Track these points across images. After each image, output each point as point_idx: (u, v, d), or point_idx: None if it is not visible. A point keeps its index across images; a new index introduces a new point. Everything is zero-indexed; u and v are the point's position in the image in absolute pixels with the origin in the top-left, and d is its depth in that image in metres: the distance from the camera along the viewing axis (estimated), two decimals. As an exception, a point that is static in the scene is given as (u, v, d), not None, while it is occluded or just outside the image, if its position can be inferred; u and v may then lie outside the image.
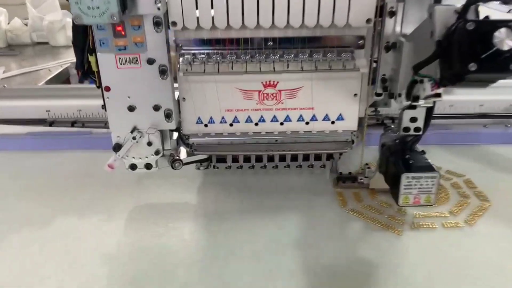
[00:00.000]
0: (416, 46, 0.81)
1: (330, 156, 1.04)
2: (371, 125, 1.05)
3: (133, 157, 0.92)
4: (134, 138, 0.89)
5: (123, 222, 0.93)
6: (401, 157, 0.90)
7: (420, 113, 0.92)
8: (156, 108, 0.87)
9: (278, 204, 0.98)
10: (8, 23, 2.22)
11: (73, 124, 1.23)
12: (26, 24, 2.23)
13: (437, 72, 0.71)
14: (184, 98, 0.92)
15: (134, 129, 0.89)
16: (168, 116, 0.88)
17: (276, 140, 0.96)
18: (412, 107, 0.87)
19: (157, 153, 0.92)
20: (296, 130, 0.97)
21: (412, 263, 0.82)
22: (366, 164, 1.04)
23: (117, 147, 0.90)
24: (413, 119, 0.92)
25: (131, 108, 0.87)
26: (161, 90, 0.86)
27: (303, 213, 0.95)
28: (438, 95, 0.76)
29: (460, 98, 1.23)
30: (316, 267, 0.81)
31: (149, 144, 0.88)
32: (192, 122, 0.95)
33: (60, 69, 1.79)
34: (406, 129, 0.93)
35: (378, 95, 0.93)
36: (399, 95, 0.86)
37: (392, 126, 1.01)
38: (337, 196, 1.01)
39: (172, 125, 0.90)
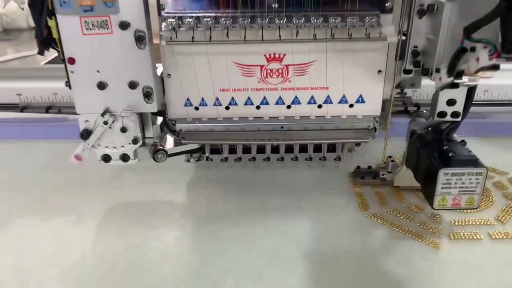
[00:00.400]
0: (463, 5, 0.63)
1: (346, 147, 0.87)
2: (394, 113, 0.87)
3: (106, 147, 0.75)
4: (105, 122, 0.72)
5: (92, 228, 0.77)
6: (438, 149, 0.72)
7: (459, 95, 0.75)
8: (132, 85, 0.70)
9: (283, 206, 0.81)
10: (4, 7, 2.08)
11: (47, 109, 1.05)
12: (22, 8, 2.08)
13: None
14: (169, 75, 0.75)
15: (105, 112, 0.72)
16: (147, 95, 0.71)
17: (282, 127, 0.79)
18: (454, 86, 0.69)
19: (135, 141, 0.75)
20: (306, 115, 0.79)
21: (455, 284, 0.64)
22: (390, 156, 0.87)
23: (86, 134, 0.73)
24: (451, 102, 0.75)
25: (101, 86, 0.70)
26: (137, 62, 0.69)
27: (314, 219, 0.78)
28: (496, 67, 0.58)
29: (497, 82, 1.05)
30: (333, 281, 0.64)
31: (123, 130, 0.71)
32: (179, 104, 0.77)
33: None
34: (442, 114, 0.76)
35: (407, 72, 0.76)
36: (437, 70, 0.69)
37: (424, 111, 0.84)
38: (356, 196, 0.84)
39: (153, 106, 0.72)
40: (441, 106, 0.75)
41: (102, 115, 0.71)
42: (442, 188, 0.69)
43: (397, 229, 0.75)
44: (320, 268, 0.67)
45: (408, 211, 0.79)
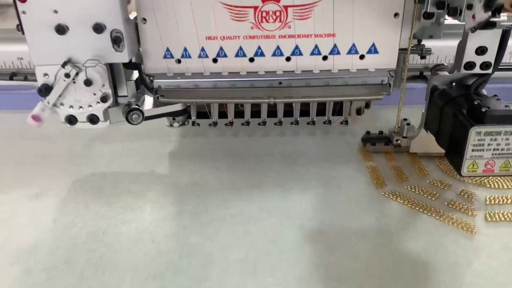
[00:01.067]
0: None
1: (354, 108, 0.75)
2: (408, 78, 0.74)
3: (71, 106, 0.63)
4: (67, 75, 0.59)
5: (51, 207, 0.64)
6: (467, 104, 0.60)
7: (492, 41, 0.63)
8: (98, 28, 0.57)
9: (282, 180, 0.69)
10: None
11: (11, 76, 0.92)
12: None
13: None
14: (144, 19, 0.62)
15: (67, 62, 0.59)
16: (116, 41, 0.58)
17: (280, 83, 0.66)
18: (489, 26, 0.57)
19: (104, 99, 0.62)
20: (309, 69, 0.67)
21: (495, 278, 0.52)
22: (405, 119, 0.75)
23: (45, 90, 0.61)
24: (481, 50, 0.63)
25: (61, 29, 0.57)
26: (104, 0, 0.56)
27: (319, 197, 0.66)
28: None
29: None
30: (342, 283, 0.52)
31: (87, 83, 0.58)
32: (157, 56, 0.65)
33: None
34: (470, 65, 0.64)
35: (429, 16, 0.64)
36: (468, 7, 0.56)
37: (445, 64, 0.71)
38: (368, 170, 0.71)
39: (124, 56, 0.60)
40: (469, 55, 0.63)
41: (63, 66, 0.59)
42: (473, 150, 0.58)
43: (421, 209, 0.62)
44: (328, 257, 0.55)
45: (432, 187, 0.67)
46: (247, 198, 0.65)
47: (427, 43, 0.69)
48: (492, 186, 0.66)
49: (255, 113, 0.72)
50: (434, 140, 0.69)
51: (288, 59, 0.66)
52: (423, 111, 0.70)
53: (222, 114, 0.73)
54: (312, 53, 0.66)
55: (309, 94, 0.66)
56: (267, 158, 0.75)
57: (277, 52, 0.66)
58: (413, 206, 0.62)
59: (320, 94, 0.66)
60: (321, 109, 0.73)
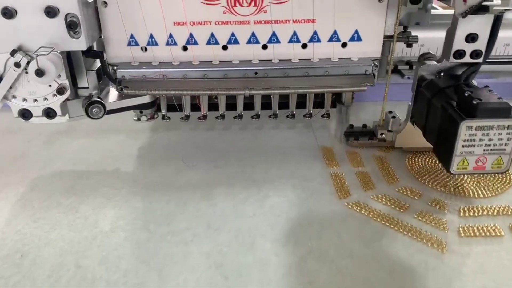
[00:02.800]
0: None
1: (337, 101, 0.70)
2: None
3: (24, 99, 0.57)
4: (17, 65, 0.53)
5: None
6: (457, 96, 0.56)
7: (483, 28, 0.58)
8: (50, 12, 0.51)
9: (237, 187, 0.62)
10: None
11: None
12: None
13: None
14: (104, 2, 0.56)
15: (16, 50, 0.53)
16: (71, 26, 0.52)
17: (256, 73, 0.61)
18: (482, 10, 0.52)
19: (61, 91, 0.56)
20: (288, 58, 0.62)
21: None
22: (390, 112, 0.70)
23: (-7, 81, 0.54)
24: (472, 38, 0.58)
25: (8, 13, 0.51)
26: (55, -21, 0.50)
27: (274, 207, 0.58)
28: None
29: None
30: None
31: (39, 73, 0.52)
32: (120, 43, 0.59)
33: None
34: (460, 53, 0.60)
35: (415, 1, 0.59)
36: (460, -11, 0.51)
37: (431, 52, 0.67)
38: (332, 176, 0.63)
39: (81, 42, 0.54)
40: (459, 43, 0.59)
41: (12, 54, 0.53)
42: (463, 146, 0.53)
43: (387, 223, 0.54)
44: (279, 282, 0.47)
45: (401, 197, 0.59)
46: (194, 211, 0.57)
47: (414, 32, 0.65)
48: (467, 195, 0.59)
49: (231, 106, 0.67)
50: (421, 135, 0.65)
51: (264, 47, 0.61)
52: (410, 103, 0.66)
53: (195, 107, 0.67)
54: (291, 41, 0.61)
55: (288, 85, 0.61)
56: (243, 155, 0.70)
57: (253, 39, 0.60)
58: (378, 220, 0.55)
59: (299, 85, 0.61)
60: (301, 101, 0.68)
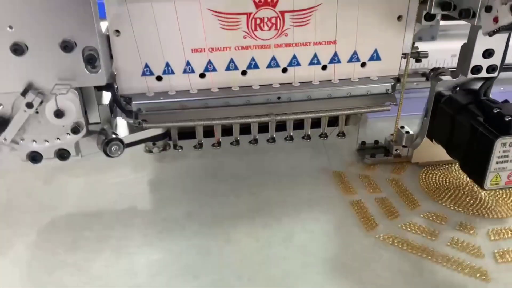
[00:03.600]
0: None
1: (352, 120, 0.69)
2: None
3: (34, 141, 0.52)
4: (29, 105, 0.48)
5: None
6: (484, 112, 0.56)
7: (498, 43, 0.59)
8: (67, 46, 0.46)
9: (277, 212, 0.60)
10: None
11: None
12: None
13: None
14: (117, 31, 0.52)
15: (27, 89, 0.48)
16: (90, 60, 0.48)
17: (279, 98, 0.59)
18: (509, 28, 0.53)
19: (75, 130, 0.52)
20: (308, 80, 0.60)
21: None
22: (402, 127, 0.70)
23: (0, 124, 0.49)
24: (489, 53, 0.59)
25: (18, 49, 0.46)
26: (73, 10, 0.46)
27: (301, 243, 0.55)
28: None
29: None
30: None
31: (59, 114, 0.47)
32: (134, 73, 0.55)
33: None
34: (477, 69, 0.60)
35: (430, 17, 0.59)
36: (487, 9, 0.52)
37: (443, 67, 0.67)
38: (353, 207, 0.60)
39: (101, 77, 0.50)
40: (476, 58, 0.60)
41: (23, 94, 0.48)
42: (497, 163, 0.54)
43: (424, 255, 0.52)
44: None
45: (428, 223, 0.57)
46: (220, 259, 0.53)
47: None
48: (491, 216, 0.59)
49: (244, 130, 0.64)
50: (437, 148, 0.65)
51: (284, 70, 0.59)
52: (425, 118, 0.66)
53: (207, 134, 0.64)
54: (311, 63, 0.59)
55: (311, 108, 0.59)
56: (262, 180, 0.67)
57: (273, 63, 0.58)
58: (413, 251, 0.53)
59: (322, 108, 0.59)
60: (314, 121, 0.66)
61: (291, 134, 0.66)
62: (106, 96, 0.57)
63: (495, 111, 0.54)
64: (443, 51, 0.81)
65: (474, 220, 0.58)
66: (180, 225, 0.58)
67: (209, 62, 0.56)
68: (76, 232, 0.57)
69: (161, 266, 0.51)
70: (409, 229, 0.56)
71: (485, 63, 0.60)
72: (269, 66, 0.58)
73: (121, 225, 0.58)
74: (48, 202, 0.62)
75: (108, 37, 0.52)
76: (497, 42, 0.59)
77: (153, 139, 0.61)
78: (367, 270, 0.51)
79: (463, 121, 0.58)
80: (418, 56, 0.65)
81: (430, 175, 0.67)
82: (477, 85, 0.62)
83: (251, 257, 0.53)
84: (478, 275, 0.50)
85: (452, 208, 0.60)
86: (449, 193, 0.63)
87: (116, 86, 0.56)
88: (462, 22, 0.55)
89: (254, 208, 0.61)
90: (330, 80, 0.60)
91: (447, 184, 0.65)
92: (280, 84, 0.59)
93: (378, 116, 0.82)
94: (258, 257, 0.53)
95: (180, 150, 0.63)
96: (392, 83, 0.61)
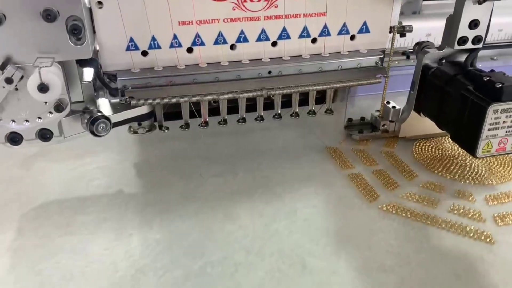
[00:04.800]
0: None
1: (339, 96, 0.68)
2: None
3: (13, 120, 0.48)
4: (9, 80, 0.44)
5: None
6: (474, 81, 0.57)
7: (483, 14, 0.60)
8: (50, 15, 0.43)
9: (277, 188, 0.59)
10: None
11: None
12: None
13: None
14: (99, 3, 0.49)
15: (6, 63, 0.44)
16: (75, 31, 0.45)
17: (270, 72, 0.57)
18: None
19: (59, 108, 0.48)
20: (298, 54, 0.59)
21: None
22: (388, 102, 0.70)
23: (-25, 103, 0.45)
24: (475, 24, 0.60)
25: (-5, 18, 0.42)
26: (55, -25, 0.42)
27: (325, 205, 0.56)
28: None
29: None
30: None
31: (43, 88, 0.44)
32: (118, 48, 0.52)
33: None
34: (463, 40, 0.61)
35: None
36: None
37: (428, 41, 0.67)
38: (351, 179, 0.60)
39: (86, 49, 0.47)
40: (462, 30, 0.60)
41: (1, 68, 0.44)
42: (489, 130, 0.54)
43: (428, 222, 0.53)
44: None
45: (426, 193, 0.58)
46: (224, 237, 0.51)
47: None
48: (486, 183, 0.60)
49: (232, 109, 0.62)
50: (425, 122, 0.66)
51: (274, 44, 0.57)
52: (412, 92, 0.66)
53: (193, 114, 0.62)
54: (301, 36, 0.58)
55: (303, 82, 0.58)
56: (253, 160, 0.65)
57: (262, 36, 0.56)
58: (417, 219, 0.53)
59: (315, 81, 0.58)
60: (301, 99, 0.65)
61: (279, 111, 0.64)
62: (87, 75, 0.54)
63: (485, 79, 0.55)
64: (418, 30, 0.82)
65: (471, 188, 0.59)
66: (178, 205, 0.56)
67: (197, 35, 0.54)
68: (70, 217, 0.54)
69: (164, 246, 0.49)
70: (410, 199, 0.57)
71: (471, 34, 0.60)
72: (259, 39, 0.56)
73: (116, 207, 0.55)
74: (33, 189, 0.58)
75: (90, 9, 0.49)
76: (482, 12, 0.59)
77: (139, 119, 0.58)
78: (375, 240, 0.50)
79: (453, 92, 0.58)
80: (403, 30, 0.65)
81: (423, 147, 0.67)
82: (462, 57, 0.63)
83: (257, 232, 0.51)
84: (482, 238, 0.50)
85: (448, 177, 0.61)
86: (443, 164, 0.63)
87: (99, 63, 0.53)
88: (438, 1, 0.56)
89: (252, 187, 0.59)
90: (320, 54, 0.59)
91: (440, 155, 0.65)
92: (270, 58, 0.58)
93: (361, 94, 0.82)
94: (264, 232, 0.51)
95: (166, 131, 0.61)
96: (381, 56, 0.61)
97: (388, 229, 0.52)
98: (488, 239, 0.50)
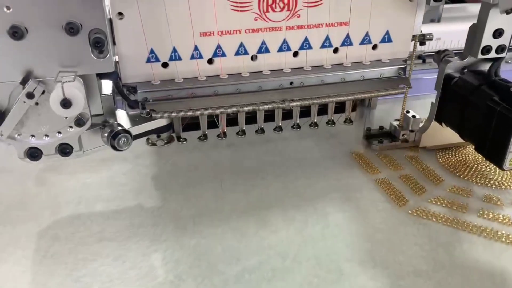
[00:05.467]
0: None
1: (359, 104, 0.67)
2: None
3: (32, 135, 0.47)
4: (30, 95, 0.43)
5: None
6: (499, 92, 0.55)
7: (508, 23, 0.59)
8: (73, 28, 0.42)
9: (307, 195, 0.58)
10: None
11: None
12: None
13: None
14: (120, 14, 0.48)
15: (27, 78, 0.43)
16: (97, 44, 0.43)
17: (292, 83, 0.56)
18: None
19: (80, 123, 0.47)
20: (319, 64, 0.58)
21: None
22: (408, 111, 0.69)
23: (-5, 118, 0.44)
24: (499, 33, 0.59)
25: (17, 32, 0.41)
26: (78, -12, 0.41)
27: (339, 225, 0.54)
28: None
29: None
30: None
31: (66, 104, 0.43)
32: (138, 60, 0.51)
33: None
34: (487, 49, 0.60)
35: (439, -1, 0.58)
36: (504, -15, 0.51)
37: (448, 49, 0.66)
38: (379, 185, 0.60)
39: (108, 63, 0.45)
40: (487, 39, 0.59)
41: (23, 83, 0.43)
42: (517, 142, 0.53)
43: (459, 227, 0.53)
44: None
45: (455, 197, 0.58)
46: (258, 242, 0.51)
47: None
48: (509, 187, 0.60)
49: (250, 119, 0.61)
50: (446, 132, 0.65)
51: (295, 54, 0.56)
52: (433, 101, 0.65)
53: (211, 124, 0.61)
54: (323, 46, 0.57)
55: (324, 93, 0.57)
56: (269, 176, 0.63)
57: (284, 47, 0.55)
58: (448, 224, 0.53)
59: (337, 92, 0.57)
60: (319, 108, 0.64)
61: (298, 122, 0.63)
62: (106, 87, 0.53)
63: (512, 90, 0.54)
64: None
65: (497, 193, 0.59)
66: (210, 211, 0.55)
67: (218, 46, 0.53)
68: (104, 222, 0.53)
69: (200, 252, 0.49)
70: (438, 203, 0.57)
71: (495, 43, 0.59)
72: (280, 49, 0.55)
73: (148, 213, 0.55)
74: (47, 203, 0.57)
75: (110, 20, 0.48)
76: (507, 21, 0.58)
77: (158, 131, 0.57)
78: (408, 244, 0.50)
79: (478, 102, 0.57)
80: (424, 39, 0.64)
81: (447, 153, 0.67)
82: (485, 66, 0.62)
83: (291, 238, 0.51)
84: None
85: (474, 182, 0.61)
86: (468, 168, 0.63)
87: (119, 75, 0.51)
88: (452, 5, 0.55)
89: (282, 194, 0.59)
90: (342, 64, 0.58)
91: (465, 159, 0.65)
92: (291, 69, 0.57)
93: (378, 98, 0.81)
94: (298, 237, 0.51)
95: (184, 143, 0.60)
96: (404, 66, 0.59)
97: (420, 233, 0.52)
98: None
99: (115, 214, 0.55)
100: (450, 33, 0.84)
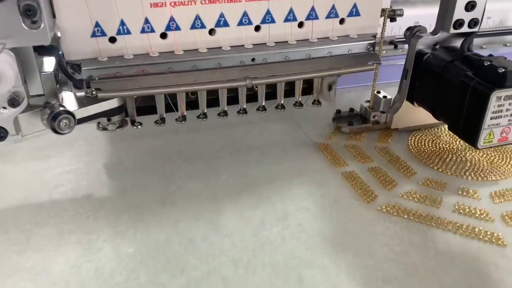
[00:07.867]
0: None
1: (325, 85, 0.63)
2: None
3: (-41, 118, 0.42)
4: (-49, 70, 0.38)
5: None
6: (473, 67, 0.52)
7: (481, -5, 0.56)
8: (-2, -7, 0.37)
9: (267, 190, 0.53)
10: None
11: None
12: None
13: None
14: (60, -18, 0.43)
15: None
16: (28, 12, 0.38)
17: (254, 60, 0.52)
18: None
19: (14, 103, 0.42)
20: (283, 39, 0.54)
21: None
22: (378, 92, 0.66)
23: None
24: (472, 6, 0.56)
25: None
26: None
27: (319, 208, 0.50)
28: None
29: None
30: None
31: (-8, 79, 0.38)
32: (82, 34, 0.46)
33: None
34: (459, 23, 0.57)
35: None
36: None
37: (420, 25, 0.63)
38: (345, 179, 0.55)
39: (43, 34, 0.40)
40: (459, 12, 0.56)
41: None
42: (491, 118, 0.50)
43: (433, 224, 0.48)
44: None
45: (427, 191, 0.53)
46: (207, 248, 0.45)
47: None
48: (489, 179, 0.55)
49: (212, 102, 0.57)
50: (418, 112, 0.62)
51: (257, 28, 0.52)
52: (404, 80, 0.62)
53: (168, 108, 0.56)
54: (287, 19, 0.53)
55: (290, 71, 0.53)
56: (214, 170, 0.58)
57: (245, 20, 0.51)
58: (421, 221, 0.48)
59: (303, 69, 0.53)
60: (286, 90, 0.60)
61: (263, 104, 0.59)
62: (48, 65, 0.48)
63: (486, 64, 0.51)
64: (405, 18, 0.78)
65: (473, 184, 0.55)
66: (155, 213, 0.49)
67: (172, 19, 0.49)
68: (30, 230, 0.47)
69: (139, 262, 0.43)
70: (410, 198, 0.52)
71: (467, 16, 0.56)
72: (241, 23, 0.51)
73: (83, 218, 0.49)
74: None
75: (48, -11, 0.43)
76: (480, -7, 0.56)
77: (108, 114, 0.52)
78: (377, 246, 0.45)
79: (450, 79, 0.54)
80: (394, 14, 0.60)
81: (419, 141, 0.63)
82: (457, 42, 0.59)
83: (244, 242, 0.45)
84: (493, 240, 0.45)
85: (448, 173, 0.56)
86: (442, 158, 0.59)
87: (61, 51, 0.46)
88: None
89: (238, 189, 0.53)
90: (308, 39, 0.54)
91: (438, 149, 0.61)
92: (253, 45, 0.52)
93: (349, 85, 0.78)
94: (253, 241, 0.46)
95: (139, 127, 0.55)
96: (373, 41, 0.56)
97: (390, 233, 0.47)
98: (499, 241, 0.45)
99: (46, 218, 0.49)
100: (429, 17, 0.81)
